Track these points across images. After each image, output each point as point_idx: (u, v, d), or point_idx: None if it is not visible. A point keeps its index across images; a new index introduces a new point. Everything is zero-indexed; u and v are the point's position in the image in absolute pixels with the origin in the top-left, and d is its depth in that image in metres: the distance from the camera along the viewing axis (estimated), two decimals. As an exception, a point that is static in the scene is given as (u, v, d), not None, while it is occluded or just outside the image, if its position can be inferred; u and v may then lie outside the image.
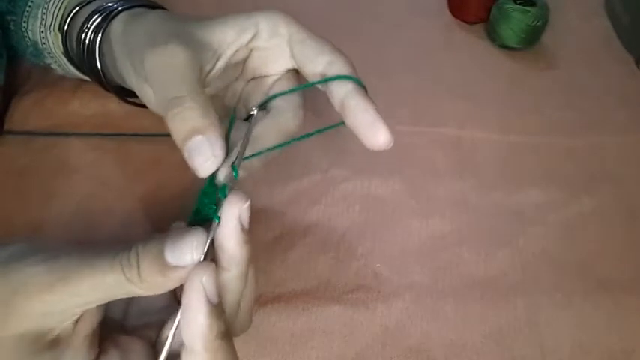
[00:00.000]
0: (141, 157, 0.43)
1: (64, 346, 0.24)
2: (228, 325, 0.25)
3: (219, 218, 0.25)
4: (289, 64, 0.33)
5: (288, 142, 0.31)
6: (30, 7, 0.41)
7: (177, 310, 0.24)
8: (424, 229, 0.40)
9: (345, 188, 0.42)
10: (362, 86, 0.30)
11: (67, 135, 0.44)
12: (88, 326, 0.25)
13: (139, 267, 0.23)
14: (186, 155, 0.26)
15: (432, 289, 0.37)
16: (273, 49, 0.33)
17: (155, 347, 0.27)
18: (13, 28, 0.43)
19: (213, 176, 0.27)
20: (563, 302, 0.36)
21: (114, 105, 0.44)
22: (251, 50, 0.33)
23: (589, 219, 0.42)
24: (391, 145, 0.29)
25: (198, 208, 0.26)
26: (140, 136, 0.43)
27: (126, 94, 0.40)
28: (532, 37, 0.55)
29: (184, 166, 0.27)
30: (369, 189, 0.42)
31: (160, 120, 0.34)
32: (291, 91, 0.33)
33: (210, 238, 0.24)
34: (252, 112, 0.31)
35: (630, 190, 0.44)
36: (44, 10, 0.40)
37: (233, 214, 0.25)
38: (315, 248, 0.39)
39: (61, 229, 0.38)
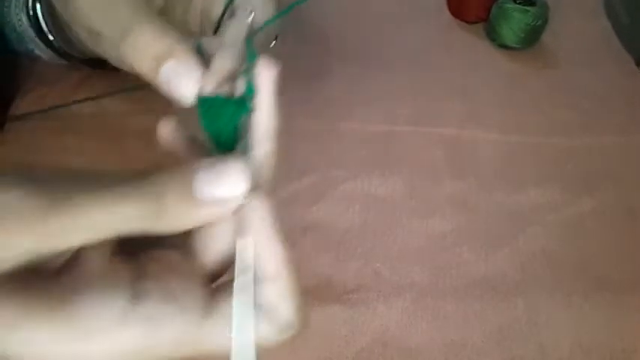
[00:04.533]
0: (141, 158, 0.42)
1: (80, 266, 0.18)
2: None
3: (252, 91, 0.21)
4: None
5: (273, 19, 0.25)
6: None
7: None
8: (424, 229, 0.40)
9: (345, 188, 0.42)
10: None
11: (67, 105, 0.43)
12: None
13: (165, 198, 0.17)
14: (165, 87, 0.22)
15: (432, 289, 0.37)
16: None
17: (190, 254, 0.22)
18: None
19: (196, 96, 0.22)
20: (563, 302, 0.36)
21: (113, 105, 0.43)
22: None
23: (589, 219, 0.42)
24: None
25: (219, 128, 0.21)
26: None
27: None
28: (532, 37, 0.55)
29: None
30: (369, 189, 0.42)
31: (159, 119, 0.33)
32: None
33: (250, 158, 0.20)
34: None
35: (630, 190, 0.44)
36: None
37: (269, 77, 0.21)
38: (315, 248, 0.39)
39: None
